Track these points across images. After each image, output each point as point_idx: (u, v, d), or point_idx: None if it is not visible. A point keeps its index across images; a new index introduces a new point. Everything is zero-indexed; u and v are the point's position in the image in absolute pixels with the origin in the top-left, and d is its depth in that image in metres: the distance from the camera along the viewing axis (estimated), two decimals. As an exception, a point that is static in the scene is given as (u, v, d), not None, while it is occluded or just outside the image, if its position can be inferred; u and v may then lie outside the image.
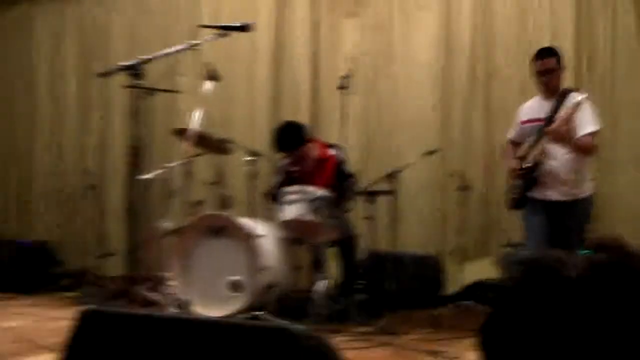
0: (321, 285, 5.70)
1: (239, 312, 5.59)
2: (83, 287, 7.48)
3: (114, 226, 8.88)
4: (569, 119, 5.00)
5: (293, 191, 5.90)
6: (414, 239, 7.32)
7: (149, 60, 3.79)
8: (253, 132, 8.18)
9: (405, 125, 7.55)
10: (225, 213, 6.10)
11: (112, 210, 9.06)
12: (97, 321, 2.18)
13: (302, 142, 6.28)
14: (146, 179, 6.26)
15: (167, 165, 6.48)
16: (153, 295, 6.23)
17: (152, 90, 6.13)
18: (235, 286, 5.76)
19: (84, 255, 8.43)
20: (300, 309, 6.16)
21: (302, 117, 7.30)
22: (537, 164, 5.20)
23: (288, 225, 6.03)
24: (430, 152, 6.55)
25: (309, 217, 5.78)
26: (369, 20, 7.76)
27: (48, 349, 4.53)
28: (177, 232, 6.25)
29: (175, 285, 5.84)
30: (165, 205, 6.46)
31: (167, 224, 6.22)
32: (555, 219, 5.25)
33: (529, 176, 5.25)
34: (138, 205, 3.80)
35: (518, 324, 1.14)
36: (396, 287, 6.08)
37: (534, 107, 5.53)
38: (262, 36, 8.05)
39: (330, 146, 6.35)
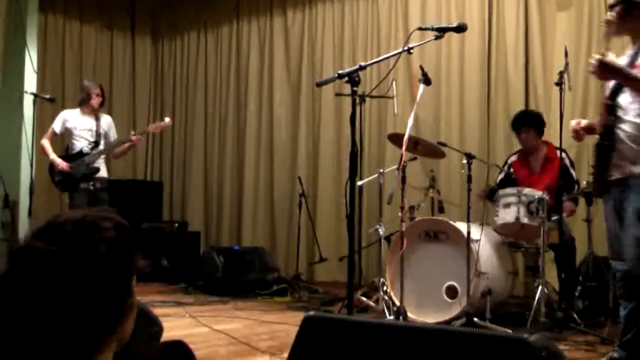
0: (539, 291, 5.49)
1: (455, 318, 5.51)
2: (295, 293, 7.64)
3: (325, 233, 9.05)
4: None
5: (511, 193, 5.76)
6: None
7: (365, 66, 3.79)
8: (464, 134, 8.07)
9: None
10: (440, 217, 6.04)
11: (323, 217, 9.24)
12: (318, 327, 2.17)
13: (541, 127, 6.40)
14: (361, 185, 6.33)
15: (381, 170, 6.52)
16: (369, 301, 6.26)
17: (365, 97, 6.21)
18: (451, 292, 5.68)
19: (296, 261, 8.64)
20: (518, 316, 5.99)
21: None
22: None
23: (505, 228, 5.89)
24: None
25: (526, 220, 5.61)
26: (582, 11, 7.42)
27: (264, 352, 4.65)
28: (392, 237, 6.27)
29: (390, 290, 5.84)
30: (379, 211, 6.49)
31: (382, 230, 6.25)
32: None
33: None
34: (354, 211, 3.80)
35: None
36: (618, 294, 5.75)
37: None
38: (472, 35, 7.92)
39: (559, 149, 6.12)
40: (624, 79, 3.74)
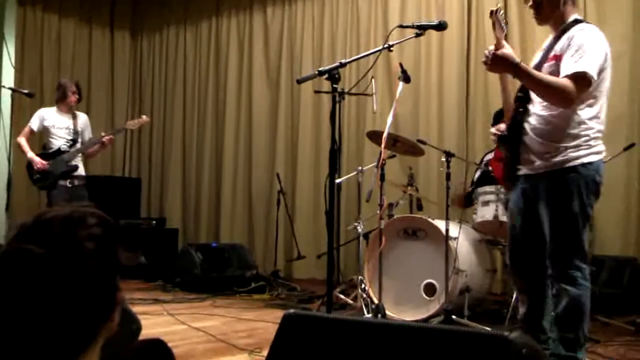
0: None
1: (433, 316, 5.52)
2: (273, 290, 7.63)
3: (303, 230, 9.04)
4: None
5: (490, 191, 5.78)
6: (610, 240, 6.97)
7: (345, 64, 3.79)
8: (443, 131, 8.08)
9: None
10: (419, 215, 6.05)
11: (302, 214, 9.23)
12: (298, 325, 2.17)
13: None
14: (340, 182, 6.33)
15: (360, 168, 6.52)
16: (347, 299, 6.27)
17: (344, 94, 6.21)
18: (430, 289, 5.70)
19: (274, 258, 8.64)
20: (496, 314, 6.01)
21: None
22: None
23: (483, 226, 5.91)
24: (628, 147, 6.16)
25: (505, 218, 5.63)
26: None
27: (242, 349, 4.63)
28: (370, 235, 6.26)
29: (369, 288, 5.85)
30: (358, 208, 6.49)
31: (361, 227, 6.24)
32: None
33: None
34: (333, 208, 3.80)
35: None
36: (595, 291, 5.79)
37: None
38: (451, 32, 7.93)
39: None
40: (513, 73, 3.71)
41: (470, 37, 8.03)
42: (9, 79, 9.18)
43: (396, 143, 5.98)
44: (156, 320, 5.68)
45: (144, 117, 7.89)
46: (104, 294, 1.34)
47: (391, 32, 4.29)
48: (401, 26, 4.15)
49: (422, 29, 3.98)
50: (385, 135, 4.63)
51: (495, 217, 5.66)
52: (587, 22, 3.80)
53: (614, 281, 6.27)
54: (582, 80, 3.53)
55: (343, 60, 3.81)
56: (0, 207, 8.18)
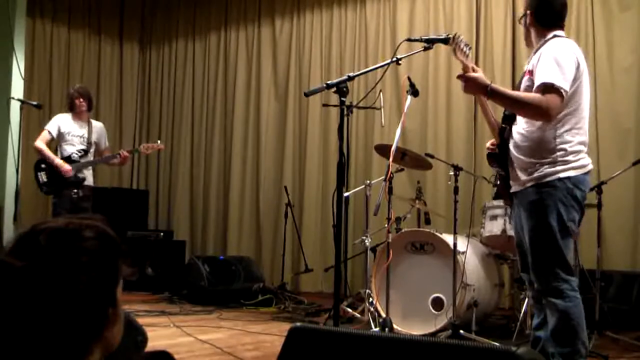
0: (525, 303, 5.49)
1: (441, 330, 5.50)
2: (280, 303, 7.61)
3: (310, 243, 9.03)
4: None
5: (497, 206, 5.76)
6: (619, 255, 6.93)
7: (353, 77, 3.79)
8: (451, 145, 8.08)
9: (607, 133, 7.15)
10: (427, 229, 6.03)
11: (309, 227, 9.22)
12: (304, 338, 2.15)
13: None
14: (347, 196, 6.32)
15: (368, 182, 6.51)
16: (354, 312, 6.25)
17: (352, 108, 6.21)
18: (437, 304, 5.68)
19: (281, 271, 8.62)
20: (504, 328, 5.99)
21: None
22: None
23: (491, 240, 5.89)
24: (637, 162, 6.09)
25: (512, 232, 5.61)
26: (570, 24, 7.42)
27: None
28: (378, 248, 6.25)
29: (376, 302, 5.83)
30: (365, 222, 6.48)
31: (368, 241, 6.23)
32: None
33: None
34: (341, 221, 3.79)
35: None
36: (604, 307, 5.76)
37: None
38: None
39: None
40: (485, 94, 3.70)
41: (479, 50, 8.03)
42: (18, 91, 9.20)
43: (404, 157, 5.97)
44: (163, 332, 5.67)
45: (159, 142, 7.93)
46: (94, 310, 1.28)
47: (399, 45, 4.30)
48: (409, 40, 4.16)
49: (430, 43, 3.98)
50: (393, 148, 4.62)
51: (503, 231, 5.66)
52: (562, 37, 3.80)
53: (623, 297, 6.25)
54: (550, 91, 3.53)
55: (351, 74, 3.80)
56: (8, 217, 8.20)
